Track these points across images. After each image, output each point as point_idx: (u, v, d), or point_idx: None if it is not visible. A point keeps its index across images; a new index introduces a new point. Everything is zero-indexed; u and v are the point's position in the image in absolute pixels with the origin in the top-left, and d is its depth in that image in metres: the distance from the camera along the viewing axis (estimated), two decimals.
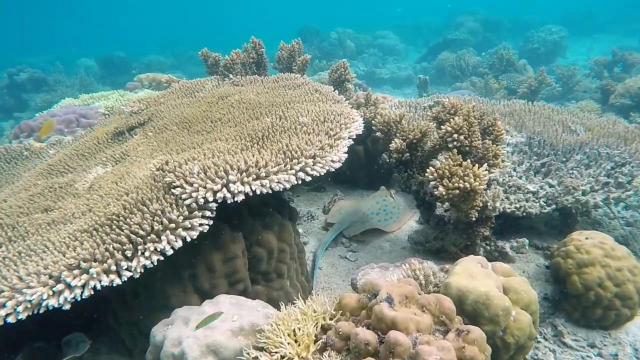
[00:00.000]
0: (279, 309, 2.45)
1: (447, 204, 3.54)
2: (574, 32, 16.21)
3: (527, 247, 3.17)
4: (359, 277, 2.74)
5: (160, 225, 2.20)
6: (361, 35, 18.91)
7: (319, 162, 2.58)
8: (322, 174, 2.57)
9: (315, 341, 1.86)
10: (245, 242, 2.67)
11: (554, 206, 3.34)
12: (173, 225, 2.23)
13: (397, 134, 3.38)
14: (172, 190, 2.39)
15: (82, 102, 5.83)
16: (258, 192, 2.35)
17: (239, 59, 4.74)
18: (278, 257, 2.76)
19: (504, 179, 3.61)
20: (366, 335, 1.73)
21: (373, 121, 3.66)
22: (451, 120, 2.86)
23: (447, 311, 1.87)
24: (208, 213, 2.32)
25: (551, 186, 3.54)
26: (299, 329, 1.89)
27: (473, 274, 2.25)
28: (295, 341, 1.89)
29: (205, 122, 3.47)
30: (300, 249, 3.06)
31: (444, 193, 2.64)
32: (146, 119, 4.00)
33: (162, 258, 2.18)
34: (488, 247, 3.22)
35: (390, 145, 3.35)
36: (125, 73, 15.64)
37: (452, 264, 2.74)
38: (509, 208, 3.22)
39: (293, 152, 2.57)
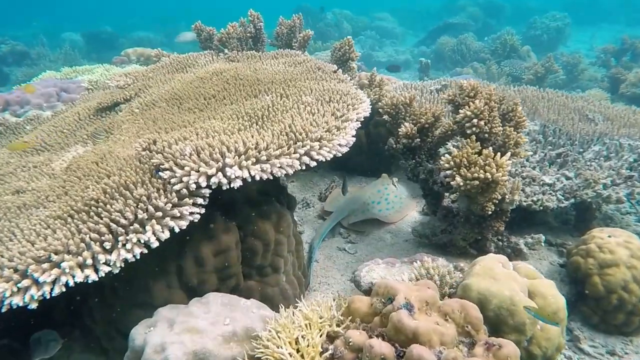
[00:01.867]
0: (273, 307, 2.21)
1: (455, 194, 3.30)
2: (576, 20, 15.89)
3: (543, 244, 2.95)
4: (362, 274, 2.50)
5: (145, 214, 1.93)
6: (358, 17, 18.42)
7: (326, 146, 2.31)
8: (329, 159, 2.30)
9: (321, 353, 1.62)
10: (239, 232, 2.40)
11: (572, 200, 3.12)
12: (160, 213, 1.95)
13: (407, 118, 3.11)
14: (160, 173, 2.10)
15: (65, 76, 5.45)
16: (257, 177, 2.08)
17: (235, 33, 4.41)
18: (275, 250, 2.50)
19: (516, 169, 3.38)
20: (382, 348, 1.49)
21: (379, 103, 3.38)
22: (471, 103, 2.59)
23: (474, 320, 1.63)
24: (200, 200, 2.05)
25: (568, 178, 3.32)
26: (303, 338, 1.65)
27: (495, 275, 2.01)
28: (298, 351, 1.65)
29: (198, 98, 3.17)
30: (298, 240, 2.81)
31: (461, 184, 2.39)
32: (133, 94, 3.68)
33: (145, 251, 1.91)
34: (500, 243, 3.00)
35: (399, 129, 3.08)
36: (113, 49, 14.99)
37: (467, 261, 2.52)
38: (525, 201, 2.99)
39: (297, 134, 2.29)
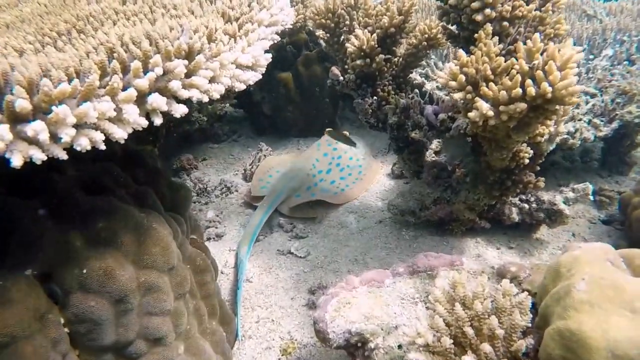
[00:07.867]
0: None
1: (437, 142, 2.15)
2: None
3: (590, 197, 1.89)
4: (328, 316, 1.30)
5: None
6: None
7: (205, 68, 1.01)
8: (216, 97, 1.02)
9: None
10: (49, 288, 1.09)
11: (614, 125, 2.09)
12: None
13: (358, 26, 1.88)
14: None
15: None
16: (17, 162, 0.76)
17: None
18: (143, 305, 1.22)
19: None
20: None
21: (308, 13, 2.11)
22: None
23: None
24: None
25: (593, 96, 2.28)
26: None
27: (633, 301, 0.88)
28: None
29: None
30: (199, 265, 1.52)
31: (490, 114, 1.22)
32: None
33: None
34: (526, 206, 1.91)
35: (347, 46, 1.84)
36: None
37: (484, 245, 1.39)
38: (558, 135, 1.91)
39: (132, 48, 0.98)
